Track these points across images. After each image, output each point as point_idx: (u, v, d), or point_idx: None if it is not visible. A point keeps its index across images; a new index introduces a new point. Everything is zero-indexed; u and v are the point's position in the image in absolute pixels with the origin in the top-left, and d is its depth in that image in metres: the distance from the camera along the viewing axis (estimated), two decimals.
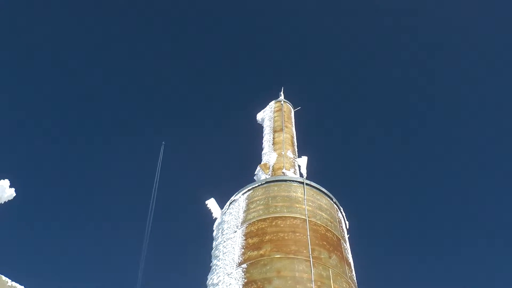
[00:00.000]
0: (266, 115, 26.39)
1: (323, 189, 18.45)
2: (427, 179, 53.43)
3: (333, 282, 14.73)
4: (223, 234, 17.22)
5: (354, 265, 17.11)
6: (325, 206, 17.77)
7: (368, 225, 48.36)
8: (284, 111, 26.00)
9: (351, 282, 15.71)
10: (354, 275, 16.63)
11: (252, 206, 17.21)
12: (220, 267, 15.78)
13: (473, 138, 53.06)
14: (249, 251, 15.43)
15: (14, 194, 14.46)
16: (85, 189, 51.97)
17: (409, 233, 52.56)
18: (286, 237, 15.53)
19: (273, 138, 23.63)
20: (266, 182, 18.23)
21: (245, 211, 17.22)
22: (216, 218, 19.05)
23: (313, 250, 15.26)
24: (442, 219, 52.07)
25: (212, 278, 15.87)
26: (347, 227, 19.00)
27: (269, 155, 22.19)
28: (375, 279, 42.84)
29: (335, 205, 18.59)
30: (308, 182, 18.19)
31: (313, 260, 14.90)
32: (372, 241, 47.38)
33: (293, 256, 14.90)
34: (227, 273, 15.21)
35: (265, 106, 27.36)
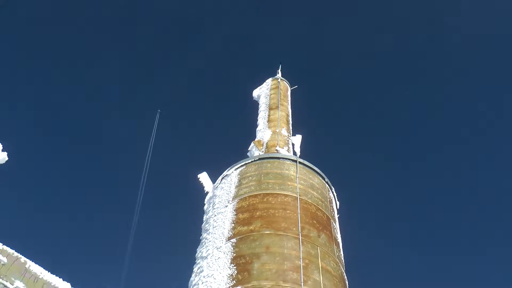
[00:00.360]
0: (262, 92, 26.28)
1: (316, 168, 18.47)
2: (423, 168, 52.98)
3: (321, 260, 14.82)
4: (214, 208, 17.25)
5: (342, 245, 17.22)
6: (317, 185, 17.81)
7: (359, 206, 48.34)
8: (280, 89, 25.90)
9: (338, 261, 15.81)
10: (342, 254, 16.74)
11: (244, 182, 17.23)
12: (210, 241, 15.83)
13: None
14: (239, 226, 15.48)
15: (7, 159, 14.39)
16: (79, 159, 51.64)
17: (401, 216, 52.38)
18: (277, 214, 15.58)
19: (268, 115, 23.58)
20: (259, 159, 18.22)
21: (237, 186, 17.24)
22: (207, 192, 19.08)
23: (302, 228, 15.33)
24: (439, 209, 51.95)
25: (201, 251, 15.93)
26: (338, 207, 19.08)
27: (263, 132, 22.17)
28: (363, 260, 43.07)
29: (327, 184, 18.63)
30: (301, 160, 18.20)
31: (302, 238, 14.97)
32: (362, 222, 47.37)
33: (282, 233, 14.96)
34: (216, 246, 15.27)
35: (262, 83, 27.23)
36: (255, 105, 26.05)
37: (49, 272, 5.81)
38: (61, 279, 5.81)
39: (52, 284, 5.76)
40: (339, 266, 15.71)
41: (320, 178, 18.40)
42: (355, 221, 43.93)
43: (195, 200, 20.67)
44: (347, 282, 15.97)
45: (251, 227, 15.27)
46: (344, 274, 15.99)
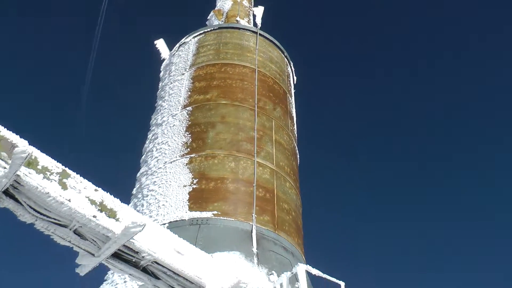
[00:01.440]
0: None
1: (276, 42, 18.24)
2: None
3: (274, 133, 15.10)
4: (170, 76, 17.03)
5: (296, 120, 17.52)
6: (276, 59, 17.70)
7: (316, 83, 47.71)
8: None
9: (291, 135, 16.17)
10: (296, 129, 17.08)
11: (203, 50, 16.91)
12: (165, 108, 15.79)
13: None
14: (195, 94, 15.41)
15: None
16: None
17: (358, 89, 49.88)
18: (234, 85, 15.53)
19: None
20: (219, 28, 17.79)
21: (194, 55, 16.93)
22: (164, 59, 18.71)
23: (259, 100, 15.41)
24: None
25: (157, 118, 15.93)
26: (295, 82, 19.16)
27: (223, 2, 21.45)
28: (317, 135, 43.76)
29: (285, 59, 18.54)
30: (261, 32, 17.88)
31: (258, 110, 15.09)
32: (318, 99, 47.02)
33: (238, 104, 15.03)
34: (171, 114, 15.26)
35: None
36: None
37: (6, 129, 5.68)
38: (18, 136, 5.71)
39: (9, 140, 5.65)
40: (292, 139, 16.09)
41: (280, 52, 18.24)
42: (311, 97, 43.79)
43: (151, 67, 20.28)
44: (298, 155, 16.46)
45: (207, 96, 15.23)
46: (296, 148, 16.43)
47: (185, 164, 13.60)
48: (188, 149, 13.94)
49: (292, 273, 10.04)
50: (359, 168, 44.89)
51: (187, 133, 14.36)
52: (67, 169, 6.27)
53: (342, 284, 10.15)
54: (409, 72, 46.37)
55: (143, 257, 6.64)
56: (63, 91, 45.13)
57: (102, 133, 43.74)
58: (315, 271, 10.00)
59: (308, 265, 10.03)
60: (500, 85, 42.16)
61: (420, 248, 41.29)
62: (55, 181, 5.98)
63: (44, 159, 6.10)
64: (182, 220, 12.17)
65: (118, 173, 34.97)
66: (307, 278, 10.22)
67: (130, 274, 6.91)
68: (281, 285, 9.96)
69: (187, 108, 15.06)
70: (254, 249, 11.75)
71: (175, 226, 11.67)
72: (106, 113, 44.35)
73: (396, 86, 46.62)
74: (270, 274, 10.94)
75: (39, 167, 5.95)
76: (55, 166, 6.13)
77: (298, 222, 14.32)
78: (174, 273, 6.89)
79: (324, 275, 10.07)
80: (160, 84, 17.71)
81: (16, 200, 5.96)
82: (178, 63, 17.18)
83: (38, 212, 6.02)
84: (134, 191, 14.40)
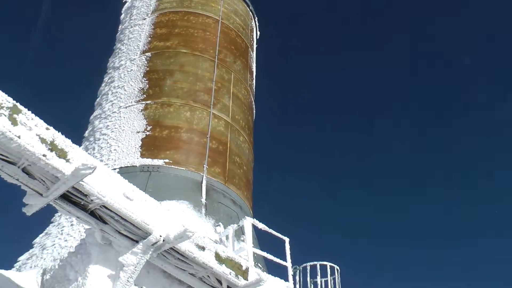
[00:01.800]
0: None
1: None
2: None
3: (233, 86, 15.07)
4: (131, 19, 16.60)
5: (256, 75, 17.50)
6: (241, 12, 17.51)
7: (280, 37, 46.90)
8: None
9: (249, 90, 16.18)
10: (254, 84, 17.07)
11: None
12: (124, 52, 15.47)
13: None
14: (155, 41, 15.13)
15: None
16: None
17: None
18: (196, 34, 15.32)
19: None
20: None
21: (158, 0, 16.54)
22: (126, 1, 18.21)
23: (220, 51, 15.28)
24: None
25: (114, 62, 15.62)
26: (257, 37, 19.03)
27: None
28: (276, 93, 43.53)
29: (250, 12, 18.37)
30: None
31: (218, 62, 14.99)
32: (280, 53, 46.28)
33: (199, 54, 14.87)
34: (130, 58, 14.98)
35: None
36: None
37: None
38: None
39: None
40: (249, 94, 16.10)
41: (245, 5, 18.04)
42: (273, 53, 43.07)
43: (112, 7, 19.70)
44: (254, 111, 16.51)
45: (167, 44, 14.99)
46: (253, 103, 16.47)
47: (140, 110, 13.45)
48: (144, 95, 13.78)
49: (238, 226, 10.22)
50: (317, 127, 44.83)
51: (145, 79, 14.17)
52: (18, 104, 6.09)
53: (287, 240, 10.43)
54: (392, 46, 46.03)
55: (91, 200, 6.60)
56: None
57: (55, 70, 42.51)
58: (261, 226, 10.22)
59: (255, 219, 10.23)
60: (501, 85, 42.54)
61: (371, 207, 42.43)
62: (5, 116, 5.80)
63: None
64: (133, 166, 12.12)
65: (71, 114, 34.28)
66: (253, 232, 10.43)
67: (77, 217, 6.88)
68: (227, 237, 10.14)
69: (146, 54, 14.81)
70: (203, 200, 11.86)
71: (126, 172, 11.62)
72: (61, 54, 42.97)
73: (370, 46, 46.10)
74: (217, 226, 11.09)
75: None
76: (5, 100, 5.95)
77: (248, 177, 14.49)
78: (122, 218, 6.90)
79: (270, 230, 10.31)
80: (120, 27, 17.27)
81: None
82: (140, 7, 16.75)
83: None
84: (86, 134, 14.19)
